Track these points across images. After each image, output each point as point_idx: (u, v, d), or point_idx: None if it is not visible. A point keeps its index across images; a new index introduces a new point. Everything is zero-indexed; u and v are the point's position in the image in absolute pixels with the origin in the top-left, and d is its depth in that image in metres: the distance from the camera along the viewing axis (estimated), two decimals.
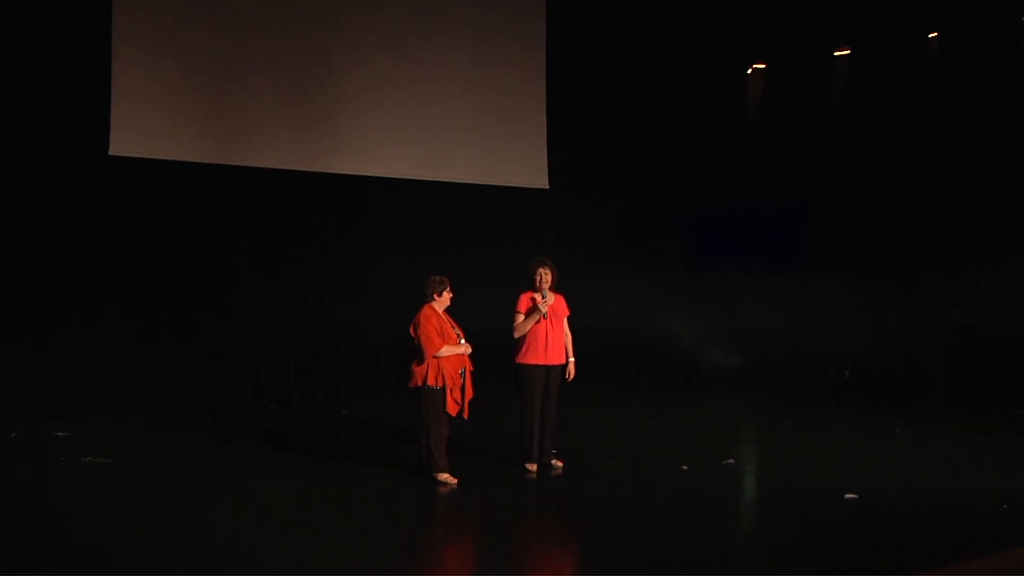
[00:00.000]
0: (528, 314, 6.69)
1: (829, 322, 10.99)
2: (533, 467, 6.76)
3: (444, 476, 6.34)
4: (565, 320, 6.90)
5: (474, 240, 10.90)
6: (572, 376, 6.89)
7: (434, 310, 6.43)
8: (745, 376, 11.55)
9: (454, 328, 6.48)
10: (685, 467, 6.92)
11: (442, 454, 6.35)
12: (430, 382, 6.28)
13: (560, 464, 6.89)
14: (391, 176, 10.29)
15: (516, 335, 6.70)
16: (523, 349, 6.72)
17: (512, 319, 6.76)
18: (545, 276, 6.71)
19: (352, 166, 10.07)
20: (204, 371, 9.27)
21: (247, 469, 6.79)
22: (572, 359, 6.90)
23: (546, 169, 11.32)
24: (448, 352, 6.32)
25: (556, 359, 6.80)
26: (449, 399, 6.32)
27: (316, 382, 9.94)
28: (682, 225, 12.25)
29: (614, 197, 12.05)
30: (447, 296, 6.50)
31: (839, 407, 9.75)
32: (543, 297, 6.68)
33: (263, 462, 7.07)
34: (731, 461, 7.13)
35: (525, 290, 6.81)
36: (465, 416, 6.44)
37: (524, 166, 11.16)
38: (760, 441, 8.54)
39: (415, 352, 6.35)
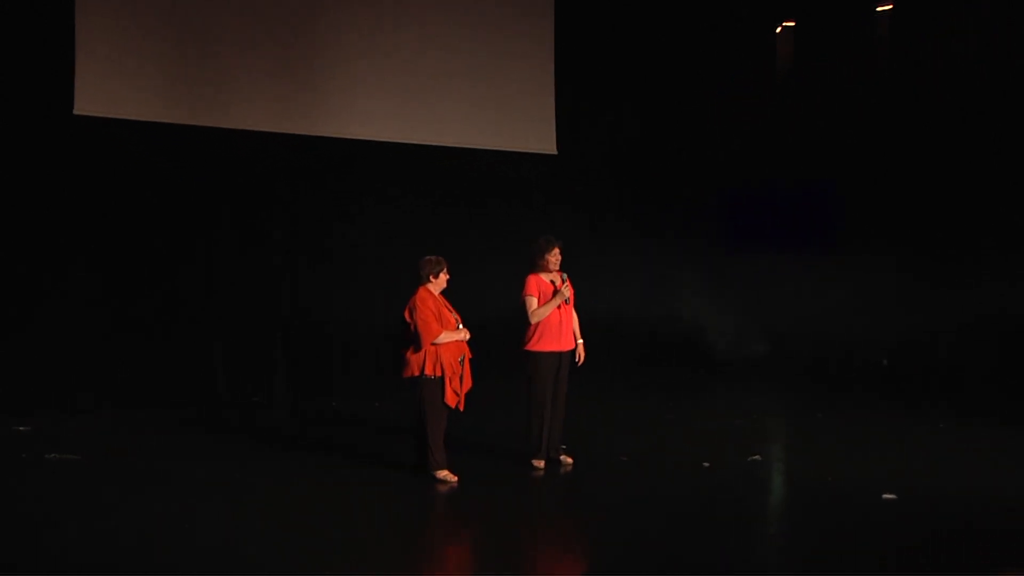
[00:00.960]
0: (551, 298, 6.69)
1: (866, 307, 10.94)
2: (541, 464, 6.79)
3: (443, 474, 6.36)
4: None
5: (474, 214, 10.84)
6: (583, 360, 6.92)
7: (430, 293, 6.43)
8: (773, 366, 11.53)
9: (452, 312, 6.49)
10: (707, 464, 6.94)
11: (441, 449, 6.37)
12: (428, 371, 6.28)
13: (570, 460, 6.92)
14: (383, 140, 10.18)
15: (534, 321, 6.70)
16: (536, 335, 6.73)
17: (519, 303, 6.76)
18: (559, 256, 6.74)
19: (341, 128, 9.93)
20: (180, 361, 9.27)
21: (230, 467, 6.81)
22: (581, 341, 6.93)
23: (554, 133, 11.19)
24: (447, 338, 6.32)
25: (568, 344, 6.83)
26: (448, 389, 6.32)
27: (303, 373, 9.94)
28: (703, 202, 12.16)
29: (627, 169, 11.97)
30: (444, 277, 6.49)
31: (877, 400, 9.75)
32: (563, 279, 6.71)
33: (248, 460, 7.10)
34: (757, 458, 7.14)
35: (530, 271, 6.81)
36: (461, 408, 6.44)
37: (529, 130, 10.98)
38: (789, 436, 8.54)
39: (410, 339, 6.35)
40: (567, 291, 6.72)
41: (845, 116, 11.45)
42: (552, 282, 6.78)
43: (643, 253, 11.77)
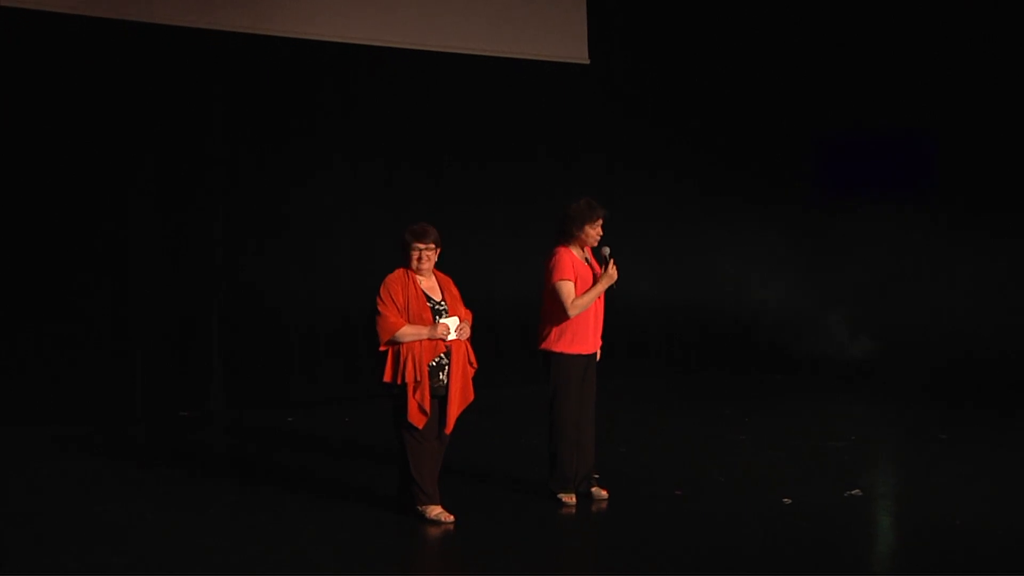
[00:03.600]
0: (593, 283, 6.65)
1: (1006, 298, 10.87)
2: (571, 499, 6.78)
3: (435, 512, 6.33)
4: None
5: (482, 158, 10.77)
6: (598, 358, 6.98)
7: (403, 276, 6.38)
8: (878, 371, 11.56)
9: (436, 301, 6.37)
10: (787, 500, 6.90)
11: (428, 480, 6.33)
12: (387, 378, 6.28)
13: (604, 494, 6.92)
14: (368, 43, 10.09)
15: (573, 314, 6.68)
16: (566, 333, 6.70)
17: (546, 286, 6.71)
18: (601, 231, 6.72)
19: (308, 27, 9.84)
20: (80, 362, 9.28)
21: (144, 508, 6.75)
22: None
23: (585, 35, 11.15)
24: (412, 335, 6.22)
25: (597, 342, 6.87)
26: (411, 402, 6.23)
27: (249, 377, 9.97)
28: (786, 152, 12.14)
29: (681, 106, 11.90)
30: (429, 254, 6.36)
31: (1019, 418, 9.67)
32: (607, 257, 6.71)
33: (168, 496, 7.06)
34: (857, 493, 7.12)
35: (556, 242, 6.78)
36: (447, 430, 6.39)
37: (554, 31, 10.93)
38: (900, 464, 8.53)
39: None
40: (615, 272, 6.68)
41: (961, 51, 11.28)
42: (586, 260, 6.71)
43: (701, 217, 11.70)
